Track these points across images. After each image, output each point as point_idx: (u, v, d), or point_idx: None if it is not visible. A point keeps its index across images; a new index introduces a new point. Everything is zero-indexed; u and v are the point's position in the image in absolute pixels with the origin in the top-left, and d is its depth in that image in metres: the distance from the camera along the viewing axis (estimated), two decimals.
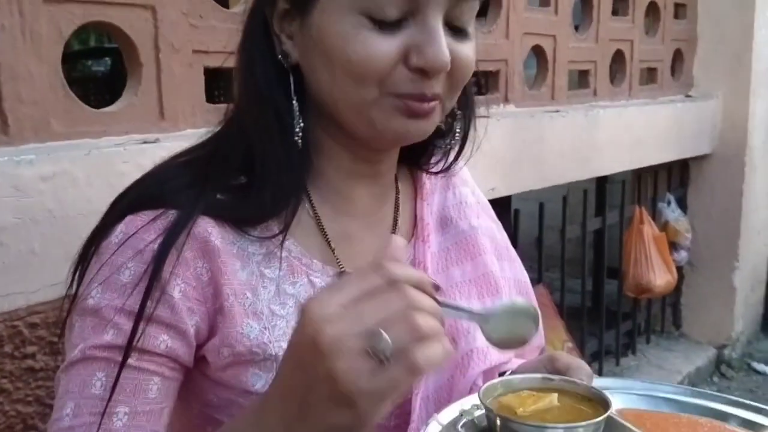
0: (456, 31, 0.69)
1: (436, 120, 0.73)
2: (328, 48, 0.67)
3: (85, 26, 1.33)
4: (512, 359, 0.87)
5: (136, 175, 1.27)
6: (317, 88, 0.71)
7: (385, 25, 0.66)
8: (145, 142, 1.31)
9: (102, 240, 0.71)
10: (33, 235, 1.15)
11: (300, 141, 0.72)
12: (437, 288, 0.58)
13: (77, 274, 0.73)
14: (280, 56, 0.72)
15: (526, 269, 0.96)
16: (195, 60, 1.46)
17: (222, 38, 1.50)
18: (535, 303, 0.96)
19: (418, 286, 0.53)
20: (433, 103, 0.70)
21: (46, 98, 1.26)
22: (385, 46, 0.66)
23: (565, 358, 0.77)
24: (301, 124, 0.71)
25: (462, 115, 0.82)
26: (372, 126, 0.70)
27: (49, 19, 1.26)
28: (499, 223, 0.95)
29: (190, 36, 1.44)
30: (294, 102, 0.71)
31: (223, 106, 1.55)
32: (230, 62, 1.53)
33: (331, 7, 0.67)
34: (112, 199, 1.26)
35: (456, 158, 0.86)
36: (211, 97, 1.54)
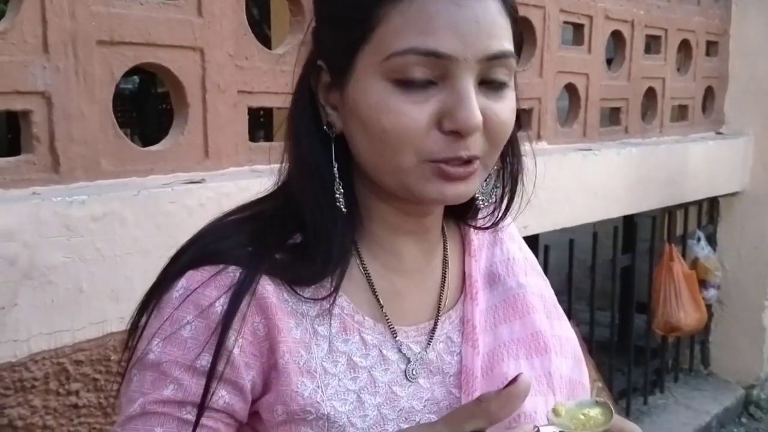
0: (492, 88, 0.70)
1: (477, 182, 0.73)
2: (364, 118, 0.69)
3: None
4: None
5: (183, 215, 1.31)
6: (358, 154, 0.73)
7: (414, 91, 0.67)
8: (191, 182, 1.34)
9: (163, 294, 0.72)
10: (81, 274, 1.18)
11: (343, 206, 0.73)
12: None
13: (137, 326, 0.74)
14: (325, 127, 0.74)
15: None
16: (239, 100, 1.49)
17: (265, 79, 1.53)
18: (582, 357, 0.96)
19: None
20: (472, 167, 0.70)
21: (97, 138, 1.29)
22: (416, 113, 0.67)
23: (619, 422, 0.76)
24: (341, 190, 0.73)
25: (509, 171, 0.83)
26: (409, 191, 0.71)
27: (102, 60, 1.29)
28: (547, 280, 0.95)
29: (235, 77, 1.47)
30: (335, 169, 0.73)
31: (264, 145, 1.59)
32: (272, 102, 1.57)
33: (364, 78, 0.68)
34: (158, 238, 1.29)
35: (503, 215, 0.87)
36: (253, 136, 1.56)
